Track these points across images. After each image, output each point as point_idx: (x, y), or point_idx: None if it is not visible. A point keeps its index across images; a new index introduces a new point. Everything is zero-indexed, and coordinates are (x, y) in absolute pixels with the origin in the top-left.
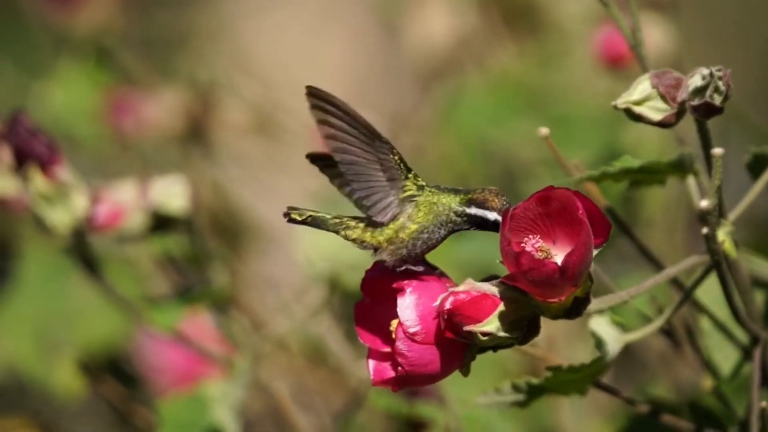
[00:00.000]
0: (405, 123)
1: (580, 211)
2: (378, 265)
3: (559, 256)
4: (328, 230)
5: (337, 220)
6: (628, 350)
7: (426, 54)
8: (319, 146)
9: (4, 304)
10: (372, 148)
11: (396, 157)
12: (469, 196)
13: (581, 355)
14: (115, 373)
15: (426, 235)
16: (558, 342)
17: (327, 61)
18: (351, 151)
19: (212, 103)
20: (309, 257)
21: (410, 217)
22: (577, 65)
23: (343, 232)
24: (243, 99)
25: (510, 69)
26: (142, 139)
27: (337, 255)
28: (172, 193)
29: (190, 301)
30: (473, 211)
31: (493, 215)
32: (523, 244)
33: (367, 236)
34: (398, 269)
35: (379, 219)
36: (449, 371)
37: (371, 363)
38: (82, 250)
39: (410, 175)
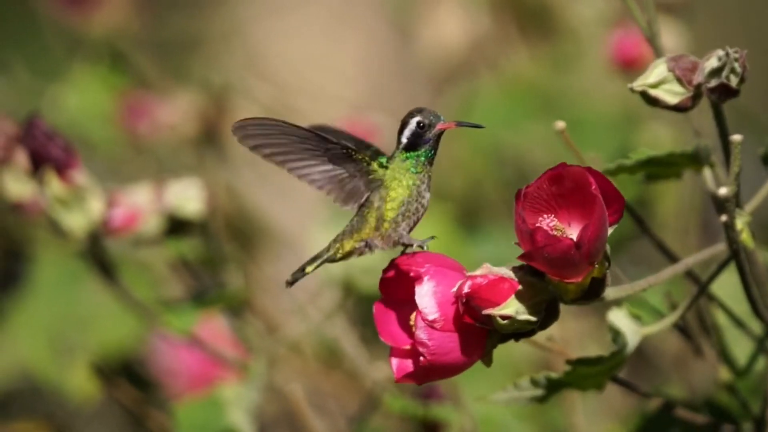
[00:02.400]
0: None
1: (594, 187)
2: (394, 264)
3: (574, 235)
4: (330, 262)
5: (333, 249)
6: (642, 353)
7: (439, 57)
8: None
9: (18, 307)
10: (317, 151)
11: (350, 150)
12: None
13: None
14: (129, 376)
15: (404, 208)
16: (571, 344)
17: (341, 64)
18: (296, 161)
19: (226, 106)
20: None
21: (384, 199)
22: (590, 68)
23: (340, 255)
24: (257, 102)
25: (523, 72)
26: (156, 143)
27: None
28: (187, 197)
29: (205, 305)
30: (404, 138)
31: (412, 121)
32: (537, 224)
33: (356, 239)
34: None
35: (349, 207)
36: (471, 361)
37: (394, 361)
38: (98, 253)
39: (375, 160)
